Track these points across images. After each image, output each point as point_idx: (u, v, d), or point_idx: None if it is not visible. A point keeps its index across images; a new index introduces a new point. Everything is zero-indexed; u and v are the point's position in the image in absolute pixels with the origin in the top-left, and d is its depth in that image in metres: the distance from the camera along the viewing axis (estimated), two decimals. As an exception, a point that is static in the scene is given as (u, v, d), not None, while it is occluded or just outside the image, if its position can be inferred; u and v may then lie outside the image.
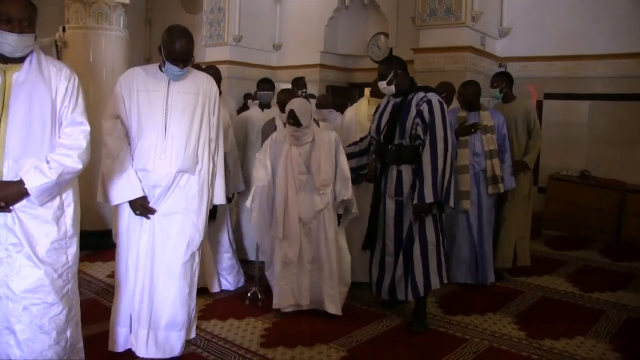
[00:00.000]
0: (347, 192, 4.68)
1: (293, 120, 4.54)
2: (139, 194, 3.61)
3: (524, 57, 8.69)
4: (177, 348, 3.81)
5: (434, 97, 4.40)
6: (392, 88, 4.48)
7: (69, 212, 3.00)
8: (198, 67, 4.82)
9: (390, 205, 4.52)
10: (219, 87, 5.10)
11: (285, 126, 4.88)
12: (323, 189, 4.62)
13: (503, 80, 5.89)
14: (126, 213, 3.75)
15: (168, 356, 3.80)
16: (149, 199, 3.66)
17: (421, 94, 4.42)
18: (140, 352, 3.74)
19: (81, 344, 3.12)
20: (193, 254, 3.81)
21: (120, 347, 3.84)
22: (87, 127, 2.95)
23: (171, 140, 3.61)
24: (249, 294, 5.00)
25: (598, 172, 7.87)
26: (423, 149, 4.35)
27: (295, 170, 4.62)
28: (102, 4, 6.32)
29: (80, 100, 2.97)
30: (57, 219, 2.92)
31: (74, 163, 2.86)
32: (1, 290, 2.79)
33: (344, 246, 4.87)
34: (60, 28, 6.53)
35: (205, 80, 3.83)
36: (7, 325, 2.80)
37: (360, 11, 11.28)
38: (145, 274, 3.73)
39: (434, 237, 4.43)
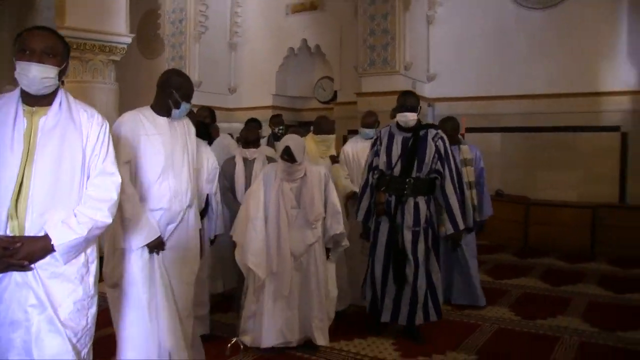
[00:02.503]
0: (338, 226, 4.66)
1: (288, 156, 4.47)
2: (157, 234, 3.60)
3: (448, 97, 10.22)
4: None
5: (443, 134, 4.72)
6: (415, 122, 4.69)
7: (93, 269, 2.71)
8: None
9: (407, 236, 4.63)
10: (210, 127, 5.48)
11: (245, 165, 5.20)
12: (315, 224, 4.56)
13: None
14: (132, 254, 3.62)
15: None
16: (163, 237, 3.67)
17: (434, 131, 4.69)
18: None
19: None
20: (191, 281, 3.88)
21: None
22: (119, 178, 2.74)
23: (179, 178, 3.69)
24: (229, 345, 4.65)
25: (509, 190, 9.49)
26: (444, 182, 4.60)
27: (287, 205, 4.56)
28: (96, 61, 7.47)
29: (111, 149, 2.75)
30: (82, 278, 2.63)
31: (104, 217, 2.62)
32: (19, 356, 2.48)
33: (332, 280, 4.91)
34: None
35: (185, 120, 3.88)
36: None
37: (307, 58, 12.39)
38: (160, 308, 3.66)
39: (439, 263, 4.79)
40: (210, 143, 5.50)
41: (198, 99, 11.58)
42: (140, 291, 3.57)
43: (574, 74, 9.31)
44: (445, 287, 5.57)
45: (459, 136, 5.95)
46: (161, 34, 12.85)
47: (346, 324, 5.14)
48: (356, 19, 10.05)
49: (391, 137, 4.76)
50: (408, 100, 4.67)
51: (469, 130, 9.51)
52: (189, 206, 3.79)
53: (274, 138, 6.93)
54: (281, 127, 7.14)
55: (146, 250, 3.58)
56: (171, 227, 3.70)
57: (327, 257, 4.78)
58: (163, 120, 3.66)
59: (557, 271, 7.40)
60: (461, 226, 4.62)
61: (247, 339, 4.59)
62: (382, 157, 4.78)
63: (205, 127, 5.49)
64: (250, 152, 5.33)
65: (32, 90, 2.52)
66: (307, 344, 4.62)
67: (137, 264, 3.57)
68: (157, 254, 3.65)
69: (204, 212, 4.78)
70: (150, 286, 3.61)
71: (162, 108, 3.68)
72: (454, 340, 4.79)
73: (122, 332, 3.56)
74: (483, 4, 10.09)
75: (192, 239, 3.87)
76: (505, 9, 9.95)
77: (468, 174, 5.64)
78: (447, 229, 4.62)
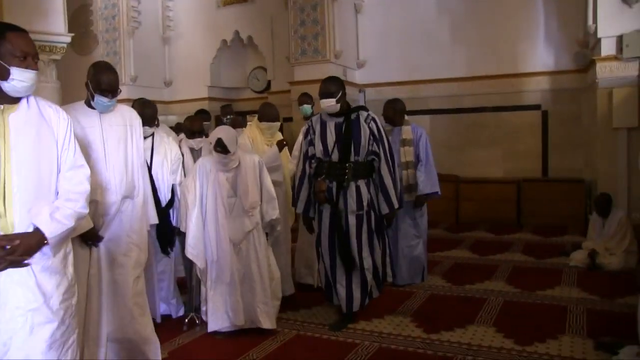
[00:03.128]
0: (274, 212, 4.76)
1: (221, 147, 4.51)
2: (89, 225, 3.57)
3: (378, 83, 10.65)
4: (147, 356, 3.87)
5: (374, 115, 4.72)
6: (338, 107, 4.63)
7: (70, 259, 2.78)
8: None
9: (352, 220, 4.64)
10: (157, 118, 5.38)
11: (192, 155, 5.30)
12: (251, 211, 4.63)
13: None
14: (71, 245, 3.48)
15: None
16: (97, 228, 3.69)
17: (365, 113, 4.69)
18: None
19: None
20: (139, 273, 3.91)
21: None
22: (88, 170, 2.83)
23: (112, 170, 3.71)
24: (186, 320, 4.92)
25: (439, 169, 9.96)
26: (379, 163, 4.62)
27: (224, 195, 4.61)
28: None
29: (76, 142, 2.82)
30: (65, 268, 2.70)
31: (82, 208, 2.72)
32: (21, 351, 2.51)
33: (274, 263, 4.93)
34: None
35: (128, 112, 3.95)
36: None
37: (240, 49, 12.62)
38: (100, 301, 3.75)
39: (381, 243, 4.79)
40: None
41: (135, 93, 11.67)
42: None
43: (495, 57, 9.84)
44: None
45: (405, 117, 5.99)
46: (94, 30, 12.84)
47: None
48: (286, 10, 10.34)
49: (323, 124, 4.77)
50: (325, 86, 4.66)
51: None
52: (126, 197, 3.81)
53: None
54: (229, 117, 7.15)
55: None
56: (107, 219, 3.73)
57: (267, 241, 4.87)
58: (93, 113, 3.70)
59: (486, 242, 7.95)
60: (396, 205, 4.63)
61: (204, 318, 4.77)
62: (318, 146, 4.77)
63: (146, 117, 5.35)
64: (196, 142, 5.40)
65: (22, 94, 2.57)
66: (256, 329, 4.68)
67: (77, 256, 3.55)
68: (95, 246, 3.69)
69: (170, 202, 4.99)
70: (85, 276, 3.66)
71: (90, 102, 3.72)
72: (392, 306, 5.17)
73: None
74: (407, -7, 10.51)
75: (135, 231, 3.88)
76: (427, -2, 10.42)
77: (406, 154, 5.76)
78: (382, 208, 4.63)
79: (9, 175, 2.50)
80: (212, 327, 4.63)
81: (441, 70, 10.15)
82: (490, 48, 9.87)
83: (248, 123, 6.40)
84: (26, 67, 2.50)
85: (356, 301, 4.70)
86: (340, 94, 4.60)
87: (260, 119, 5.57)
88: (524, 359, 3.95)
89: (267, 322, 4.65)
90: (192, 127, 5.43)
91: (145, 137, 4.51)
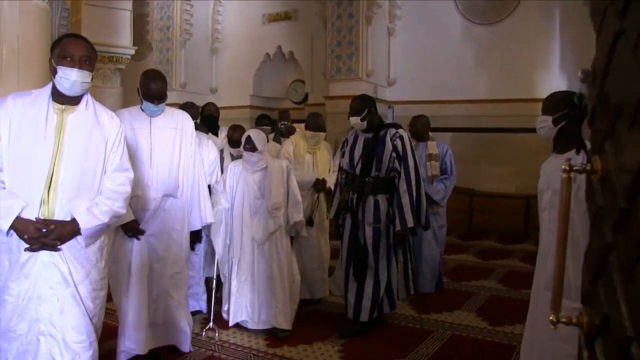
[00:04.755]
0: (298, 215, 4.86)
1: (249, 145, 4.67)
2: (130, 218, 3.75)
3: (406, 100, 11.40)
4: (177, 341, 4.17)
5: (404, 133, 4.75)
6: (364, 124, 4.71)
7: (105, 254, 2.97)
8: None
9: (368, 232, 4.70)
10: (218, 120, 5.93)
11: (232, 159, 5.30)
12: (275, 212, 4.72)
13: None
14: (116, 236, 3.78)
15: (166, 343, 4.15)
16: (138, 222, 3.87)
17: (393, 130, 4.73)
18: (138, 351, 3.95)
19: None
20: (180, 269, 4.09)
21: (124, 358, 3.98)
22: (132, 174, 3.04)
23: (156, 169, 3.89)
24: (203, 332, 4.83)
25: (457, 183, 10.76)
26: (399, 181, 4.64)
27: (251, 196, 4.75)
28: (105, 69, 8.70)
29: (125, 148, 3.03)
30: (97, 261, 2.89)
31: (120, 208, 2.91)
32: (45, 328, 2.73)
33: (295, 266, 5.03)
34: None
35: (181, 116, 4.12)
36: (63, 357, 2.75)
37: (281, 62, 13.48)
38: (140, 288, 3.93)
39: (402, 256, 4.85)
40: (215, 135, 5.95)
41: (183, 98, 12.08)
42: (117, 269, 3.89)
43: (513, 81, 10.61)
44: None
45: (429, 133, 6.22)
46: (150, 39, 13.90)
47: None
48: (325, 30, 11.22)
49: (356, 138, 4.88)
50: (352, 105, 4.79)
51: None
52: (167, 195, 3.96)
53: (280, 133, 7.03)
54: (285, 123, 7.13)
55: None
56: (147, 214, 3.89)
57: (291, 244, 5.00)
58: (145, 116, 3.93)
59: (491, 250, 8.79)
60: (409, 224, 4.59)
61: (225, 317, 4.94)
62: (346, 158, 4.92)
63: (214, 120, 6.17)
64: (235, 151, 5.46)
65: (71, 92, 2.79)
66: (273, 330, 4.80)
67: (121, 246, 3.88)
68: (137, 238, 3.88)
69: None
70: (128, 266, 3.89)
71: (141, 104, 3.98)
72: (456, 304, 5.82)
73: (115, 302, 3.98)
74: (436, 19, 11.29)
75: (176, 228, 4.02)
76: (455, 24, 11.18)
77: (432, 168, 5.97)
78: (396, 224, 4.63)
79: (57, 168, 2.73)
80: (233, 320, 4.82)
81: (463, 91, 10.90)
82: (509, 73, 10.63)
83: (297, 130, 6.63)
84: (71, 67, 2.73)
85: (364, 311, 4.75)
86: (366, 111, 4.69)
87: (307, 127, 5.73)
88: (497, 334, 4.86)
89: (283, 323, 4.75)
90: (232, 136, 5.49)
91: None
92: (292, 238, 5.02)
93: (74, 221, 2.73)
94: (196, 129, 4.57)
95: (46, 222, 2.68)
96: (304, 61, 12.90)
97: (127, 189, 2.97)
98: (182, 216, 4.09)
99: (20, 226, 2.64)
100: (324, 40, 11.41)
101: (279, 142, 6.50)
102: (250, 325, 4.84)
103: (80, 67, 2.75)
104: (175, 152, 4.00)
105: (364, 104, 4.74)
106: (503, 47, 10.73)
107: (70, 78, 2.73)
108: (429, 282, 6.10)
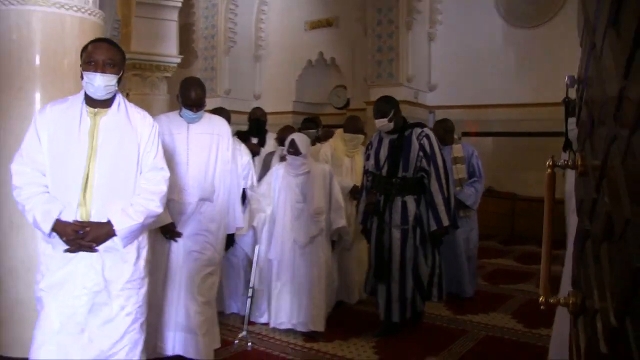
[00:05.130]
0: (341, 220, 4.90)
1: (293, 149, 4.75)
2: (168, 220, 3.87)
3: (447, 105, 11.37)
4: (201, 352, 4.02)
5: (429, 132, 4.71)
6: (391, 125, 4.65)
7: (143, 254, 2.99)
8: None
9: (396, 234, 4.64)
10: (265, 124, 5.89)
11: (280, 161, 5.28)
12: (317, 217, 4.77)
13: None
14: (152, 238, 3.76)
15: (192, 357, 4.02)
16: (175, 224, 3.94)
17: (419, 130, 4.69)
18: (166, 351, 4.01)
19: None
20: (212, 271, 4.12)
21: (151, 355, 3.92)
22: (168, 173, 3.03)
23: (192, 173, 3.95)
24: (235, 341, 4.63)
25: (500, 187, 10.82)
26: (429, 180, 4.59)
27: (293, 199, 4.81)
28: (153, 77, 8.97)
29: (160, 147, 3.03)
30: (135, 261, 2.91)
31: (156, 207, 2.92)
32: (79, 326, 2.79)
33: (335, 270, 5.15)
34: (125, 93, 9.04)
35: (218, 122, 4.19)
36: (92, 355, 2.80)
37: (323, 68, 13.64)
38: (174, 288, 4.00)
39: (433, 259, 4.74)
40: (263, 140, 6.00)
41: (227, 104, 12.29)
42: (156, 270, 3.83)
43: (554, 85, 10.48)
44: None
45: (454, 136, 6.19)
46: (195, 48, 14.24)
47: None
48: (366, 36, 11.36)
49: (380, 140, 4.84)
50: (378, 107, 4.73)
51: (465, 134, 10.66)
52: (203, 199, 4.00)
53: (317, 139, 6.75)
54: (318, 129, 6.98)
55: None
56: (184, 217, 3.96)
57: (333, 249, 5.05)
58: (183, 121, 4.01)
59: (532, 254, 8.72)
60: (445, 222, 4.58)
61: (262, 320, 5.06)
62: (371, 160, 4.87)
63: (262, 124, 6.10)
64: (282, 150, 5.38)
65: (97, 96, 2.81)
66: (309, 332, 4.83)
67: (158, 248, 3.91)
68: (174, 240, 3.96)
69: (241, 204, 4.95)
70: (162, 266, 3.95)
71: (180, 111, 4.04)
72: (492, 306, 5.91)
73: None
74: (477, 23, 11.31)
75: (211, 232, 4.06)
76: (496, 28, 11.20)
77: (458, 172, 5.93)
78: (431, 225, 4.60)
79: (92, 171, 2.78)
80: (274, 322, 4.87)
81: (504, 95, 10.86)
82: (550, 77, 10.48)
83: (335, 134, 6.48)
84: (94, 71, 2.77)
85: (395, 312, 4.72)
86: (392, 113, 4.64)
87: (345, 130, 5.75)
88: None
89: (319, 325, 4.78)
90: (283, 137, 5.46)
91: None
92: (333, 242, 5.05)
93: (109, 222, 2.77)
94: (239, 133, 4.86)
95: (82, 224, 2.74)
96: (345, 67, 13.05)
97: (163, 188, 2.98)
98: (219, 220, 4.12)
99: (59, 228, 2.71)
100: (364, 46, 11.54)
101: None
102: (285, 326, 4.87)
103: (103, 71, 2.78)
104: (211, 157, 4.05)
105: (389, 106, 4.69)
106: (544, 51, 10.66)
107: (94, 82, 2.77)
108: (464, 285, 6.07)
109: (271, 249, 4.90)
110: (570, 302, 1.39)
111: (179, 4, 9.28)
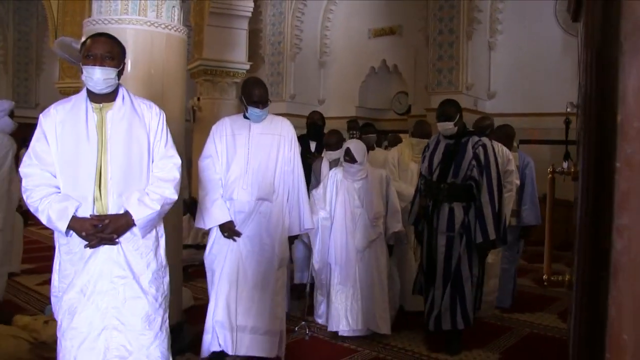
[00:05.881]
0: (397, 225, 4.93)
1: (349, 157, 4.79)
2: (227, 219, 3.96)
3: (506, 113, 11.39)
4: (264, 350, 4.07)
5: (487, 142, 4.57)
6: (455, 129, 4.56)
7: (162, 243, 3.00)
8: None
9: (441, 240, 4.55)
10: (323, 128, 6.04)
11: (330, 166, 5.32)
12: (375, 222, 4.82)
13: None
14: (215, 236, 4.08)
15: (255, 354, 4.09)
16: (235, 224, 3.99)
17: (476, 138, 4.57)
18: (226, 350, 4.06)
19: None
20: (274, 270, 4.12)
21: (204, 353, 4.14)
22: (179, 160, 2.99)
23: (251, 173, 3.98)
24: (296, 328, 4.99)
25: (556, 195, 10.89)
26: (479, 190, 4.44)
27: (351, 204, 4.84)
28: (223, 83, 9.56)
29: (169, 135, 3.00)
30: (155, 250, 2.92)
31: (172, 194, 2.89)
32: (110, 322, 2.77)
33: (395, 274, 5.19)
34: (196, 98, 9.52)
35: (280, 123, 4.21)
36: (122, 354, 2.79)
37: (386, 75, 13.99)
38: (230, 286, 4.04)
39: (478, 270, 4.59)
40: (321, 142, 6.03)
41: (293, 109, 13.12)
42: (212, 267, 4.12)
43: (613, 95, 10.66)
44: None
45: (514, 144, 6.09)
46: (262, 53, 14.75)
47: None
48: (427, 45, 11.65)
49: (437, 144, 4.76)
50: (443, 109, 4.62)
51: (523, 142, 10.79)
52: (262, 199, 4.03)
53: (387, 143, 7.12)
54: (353, 132, 7.09)
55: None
56: (242, 216, 4.00)
57: (390, 254, 5.07)
58: (246, 122, 4.09)
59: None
60: (491, 236, 4.40)
61: (320, 321, 5.15)
62: (425, 163, 4.80)
63: (319, 128, 6.27)
64: (329, 155, 5.55)
65: (97, 89, 2.78)
66: (373, 335, 4.91)
67: (215, 245, 4.09)
68: (233, 239, 4.00)
69: None
70: (222, 266, 4.05)
71: (245, 113, 4.12)
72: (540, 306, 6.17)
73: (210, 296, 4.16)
74: (537, 32, 11.47)
75: (271, 232, 4.08)
76: (555, 36, 11.34)
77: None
78: (477, 237, 4.45)
79: (105, 165, 2.77)
80: (331, 327, 4.88)
81: (563, 104, 10.91)
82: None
83: (403, 139, 6.75)
84: (92, 65, 2.75)
85: (445, 320, 4.56)
86: (458, 117, 4.55)
87: (412, 135, 5.78)
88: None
89: (384, 328, 4.82)
90: (328, 140, 5.58)
91: None
92: (390, 247, 5.07)
93: (127, 213, 2.77)
94: (300, 137, 4.96)
95: (100, 218, 2.75)
96: (407, 74, 13.32)
97: (176, 174, 2.95)
98: (277, 220, 4.11)
99: (77, 225, 2.71)
100: (426, 54, 11.80)
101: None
102: (347, 333, 4.85)
103: (102, 64, 2.76)
104: (271, 157, 4.07)
105: (455, 109, 4.58)
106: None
107: (92, 76, 2.75)
108: (505, 296, 5.98)
109: (329, 253, 4.93)
110: (566, 279, 1.78)
111: (249, 14, 9.86)
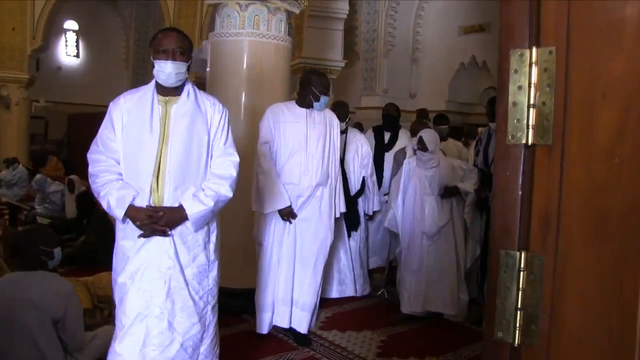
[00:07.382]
0: (467, 185, 4.88)
1: (421, 145, 4.85)
2: (287, 204, 4.08)
3: None
4: (306, 325, 4.31)
5: None
6: None
7: (213, 238, 2.98)
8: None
9: None
10: (398, 120, 6.15)
11: (414, 154, 5.23)
12: (445, 208, 4.87)
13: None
14: (274, 219, 4.21)
15: (299, 330, 4.30)
16: (293, 207, 4.13)
17: None
18: (282, 324, 4.28)
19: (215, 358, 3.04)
20: (325, 252, 4.31)
21: (265, 330, 4.32)
22: (237, 158, 2.96)
23: (311, 159, 4.14)
24: (378, 293, 5.42)
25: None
26: None
27: (422, 191, 4.88)
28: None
29: (230, 133, 2.98)
30: (205, 245, 2.90)
31: (227, 192, 2.86)
32: (152, 310, 2.79)
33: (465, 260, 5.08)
34: (295, 93, 9.91)
35: (329, 114, 4.39)
36: (162, 341, 2.79)
37: (475, 70, 14.08)
38: (288, 266, 4.23)
39: None
40: (396, 134, 6.24)
41: (385, 102, 12.94)
42: (270, 248, 4.26)
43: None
44: None
45: None
46: (357, 50, 15.22)
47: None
48: (516, 42, 12.01)
49: (489, 137, 4.84)
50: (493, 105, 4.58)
51: None
52: (320, 184, 4.21)
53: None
54: (426, 120, 7.21)
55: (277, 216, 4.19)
56: (301, 200, 4.16)
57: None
58: (302, 110, 4.24)
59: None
60: None
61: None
62: (480, 156, 4.89)
63: (394, 119, 6.37)
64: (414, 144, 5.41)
65: (169, 83, 2.80)
66: (435, 315, 4.99)
67: (271, 224, 4.25)
68: (289, 222, 4.18)
69: (360, 192, 5.49)
70: (280, 247, 4.24)
71: (304, 101, 4.27)
72: None
73: (258, 277, 4.36)
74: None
75: (324, 214, 4.28)
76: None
77: None
78: None
79: (164, 157, 2.77)
80: (403, 309, 5.01)
81: None
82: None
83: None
84: (165, 59, 2.77)
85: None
86: None
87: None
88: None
89: (451, 309, 4.92)
90: (413, 129, 5.79)
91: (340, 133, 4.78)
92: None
93: (181, 207, 2.77)
94: (374, 128, 5.56)
95: (155, 209, 2.75)
96: (495, 70, 12.98)
97: (233, 173, 2.93)
98: (330, 204, 4.32)
99: (133, 214, 2.74)
100: (514, 51, 12.11)
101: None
102: (423, 312, 4.97)
103: (174, 59, 2.79)
104: (326, 145, 4.25)
105: None
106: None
107: (165, 70, 2.78)
108: None
109: (400, 238, 5.08)
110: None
111: (345, 16, 10.51)
